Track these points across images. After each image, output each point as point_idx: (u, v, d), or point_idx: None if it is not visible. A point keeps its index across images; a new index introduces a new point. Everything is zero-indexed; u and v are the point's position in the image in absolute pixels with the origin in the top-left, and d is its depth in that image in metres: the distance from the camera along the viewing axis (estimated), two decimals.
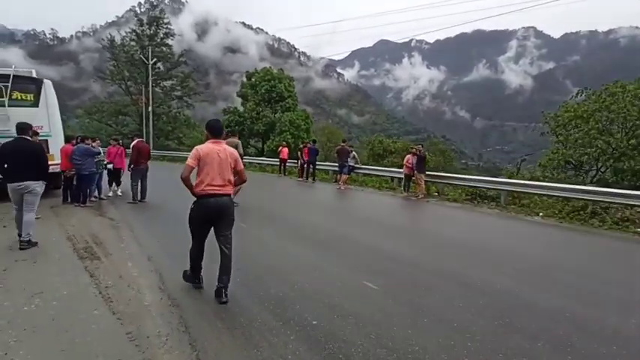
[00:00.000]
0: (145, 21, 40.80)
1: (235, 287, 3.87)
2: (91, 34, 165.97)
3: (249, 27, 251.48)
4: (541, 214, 9.48)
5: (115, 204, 9.26)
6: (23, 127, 5.44)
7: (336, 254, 5.63)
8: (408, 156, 12.42)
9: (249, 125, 29.46)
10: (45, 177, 5.53)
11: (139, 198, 9.27)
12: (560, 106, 17.39)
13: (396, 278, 4.60)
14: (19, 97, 9.46)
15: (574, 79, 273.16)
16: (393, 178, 14.53)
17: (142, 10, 43.89)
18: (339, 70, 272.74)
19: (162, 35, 41.38)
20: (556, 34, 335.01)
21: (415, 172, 11.88)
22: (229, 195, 3.71)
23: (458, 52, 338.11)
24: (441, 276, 4.75)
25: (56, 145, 9.46)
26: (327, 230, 7.23)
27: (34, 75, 10.32)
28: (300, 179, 16.19)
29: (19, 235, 5.31)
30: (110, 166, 9.90)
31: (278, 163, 18.67)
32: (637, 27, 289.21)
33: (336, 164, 14.71)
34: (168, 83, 42.50)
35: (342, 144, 14.25)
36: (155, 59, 34.35)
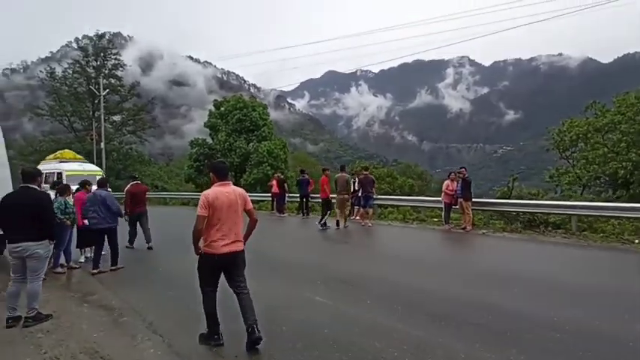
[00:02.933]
0: (90, 51, 37.11)
1: None
2: (21, 70, 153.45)
3: (197, 60, 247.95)
4: (637, 241, 7.94)
5: (97, 276, 6.36)
6: (30, 174, 4.49)
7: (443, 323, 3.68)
8: (447, 182, 10.59)
9: (219, 158, 26.56)
10: (51, 235, 4.47)
11: (148, 244, 8.08)
12: (564, 121, 16.81)
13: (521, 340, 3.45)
14: None
15: (506, 102, 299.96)
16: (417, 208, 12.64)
17: (81, 44, 40.22)
18: (290, 100, 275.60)
19: (110, 66, 37.91)
20: (486, 62, 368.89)
21: (460, 199, 10.04)
22: (241, 251, 3.56)
23: (401, 80, 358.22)
24: (570, 332, 3.55)
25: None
26: (393, 284, 5.31)
27: None
28: (298, 215, 14.02)
29: (9, 316, 4.20)
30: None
31: (270, 199, 16.31)
32: (553, 54, 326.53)
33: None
34: (117, 117, 38.76)
35: (365, 172, 12.08)
36: (107, 90, 30.70)
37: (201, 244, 3.46)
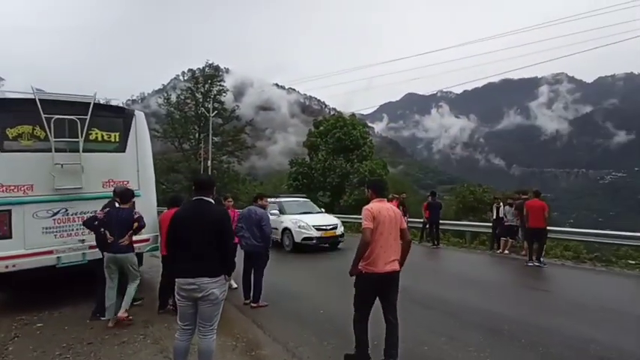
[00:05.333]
0: (200, 79, 40.36)
1: None
2: (139, 101, 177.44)
3: (282, 87, 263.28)
4: None
5: (255, 318, 5.24)
6: (207, 183, 3.36)
7: None
8: None
9: (317, 177, 25.94)
10: (231, 267, 3.32)
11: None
12: None
13: None
14: (100, 138, 5.99)
15: (615, 122, 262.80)
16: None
17: (187, 76, 44.50)
18: (369, 123, 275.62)
19: (215, 92, 40.73)
20: (589, 78, 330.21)
21: None
22: (398, 272, 3.46)
23: (487, 101, 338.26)
24: None
25: (147, 211, 5.77)
26: None
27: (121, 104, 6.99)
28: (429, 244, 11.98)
29: None
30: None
31: (422, 225, 12.90)
32: None
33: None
34: (217, 138, 41.19)
35: (524, 196, 9.81)
36: (216, 111, 32.65)
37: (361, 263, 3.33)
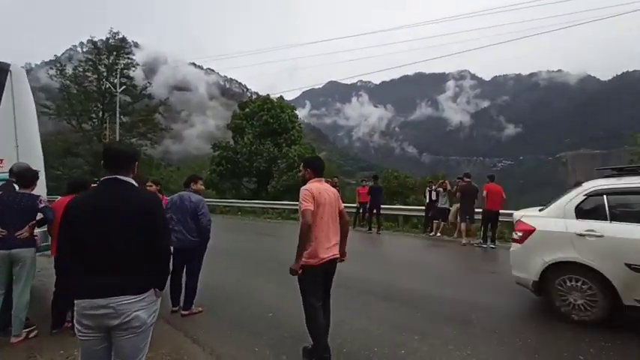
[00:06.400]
0: (103, 49, 35.18)
1: None
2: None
3: (200, 67, 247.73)
4: None
5: (186, 326, 4.19)
6: (123, 155, 2.15)
7: None
8: None
9: (243, 162, 24.49)
10: (163, 279, 2.18)
11: None
12: None
13: None
14: None
15: (506, 116, 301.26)
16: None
17: (85, 49, 38.71)
18: None
19: (122, 65, 36.01)
20: (487, 76, 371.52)
21: None
22: (337, 258, 3.23)
23: (402, 91, 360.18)
24: None
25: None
26: None
27: None
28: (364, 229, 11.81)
29: None
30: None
31: (356, 209, 12.79)
32: (553, 71, 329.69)
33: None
34: (126, 119, 36.80)
35: (468, 179, 9.99)
36: (124, 87, 28.72)
37: (305, 253, 2.98)
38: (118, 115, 25.84)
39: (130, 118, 36.79)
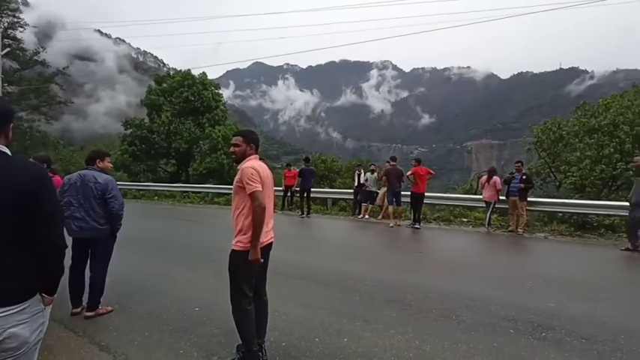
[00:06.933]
0: None
1: None
2: None
3: (107, 35, 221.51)
4: None
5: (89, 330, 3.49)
6: None
7: None
8: (497, 178, 9.27)
9: (160, 142, 22.45)
10: (55, 279, 1.61)
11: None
12: (546, 121, 16.94)
13: None
14: None
15: (422, 107, 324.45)
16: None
17: None
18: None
19: (6, 24, 30.43)
20: (407, 67, 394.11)
21: (515, 199, 8.79)
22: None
23: (328, 77, 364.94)
24: None
25: None
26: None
27: None
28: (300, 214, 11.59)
29: None
30: None
31: (283, 192, 12.46)
32: (463, 67, 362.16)
33: None
34: (13, 88, 31.45)
35: (394, 163, 10.17)
36: (7, 49, 24.17)
37: (241, 239, 2.65)
38: (0, 82, 21.67)
39: (17, 88, 31.53)
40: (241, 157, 2.78)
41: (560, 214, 9.52)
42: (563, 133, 15.65)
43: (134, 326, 3.52)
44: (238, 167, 2.75)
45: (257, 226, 2.61)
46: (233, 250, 2.67)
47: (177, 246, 7.17)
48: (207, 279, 4.87)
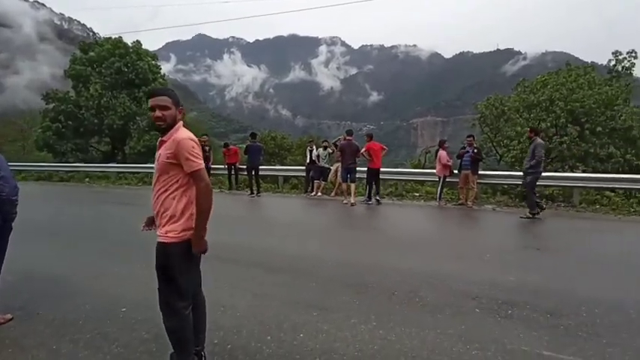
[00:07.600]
0: None
1: None
2: None
3: None
4: None
5: None
6: None
7: None
8: (443, 152, 9.32)
9: (90, 119, 20.18)
10: None
11: None
12: (489, 97, 17.53)
13: None
14: None
15: (371, 84, 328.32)
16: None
17: None
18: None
19: None
20: (355, 44, 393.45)
21: (467, 172, 8.89)
22: None
23: (276, 52, 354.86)
24: None
25: None
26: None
27: None
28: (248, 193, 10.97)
29: None
30: None
31: (227, 171, 12.47)
32: (410, 45, 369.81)
33: None
34: None
35: (349, 137, 9.75)
36: None
37: (174, 227, 2.07)
38: None
39: None
40: (172, 124, 2.12)
41: (505, 186, 9.86)
42: (505, 108, 16.33)
43: (40, 338, 2.83)
44: (164, 137, 2.14)
45: (206, 210, 2.10)
46: (163, 244, 2.08)
47: (107, 235, 6.31)
48: (141, 271, 4.20)
